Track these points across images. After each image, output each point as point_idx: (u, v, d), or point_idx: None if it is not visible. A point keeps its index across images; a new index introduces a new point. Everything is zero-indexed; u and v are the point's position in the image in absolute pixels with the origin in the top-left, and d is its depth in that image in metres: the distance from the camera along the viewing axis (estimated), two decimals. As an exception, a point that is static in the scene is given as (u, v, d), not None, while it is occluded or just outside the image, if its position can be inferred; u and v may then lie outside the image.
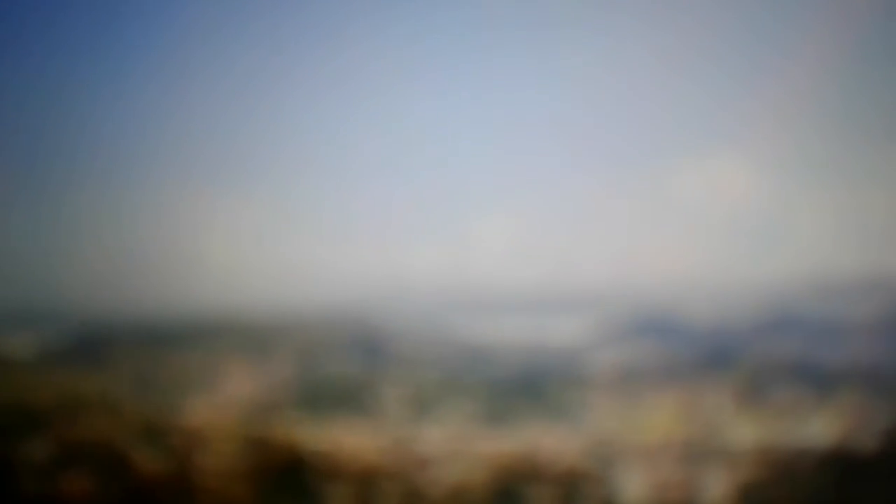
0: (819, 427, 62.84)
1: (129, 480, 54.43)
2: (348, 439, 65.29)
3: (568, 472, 58.76)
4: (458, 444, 64.61)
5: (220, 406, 73.56)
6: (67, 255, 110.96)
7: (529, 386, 74.54)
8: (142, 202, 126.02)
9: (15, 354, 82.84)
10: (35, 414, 59.93)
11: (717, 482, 57.18)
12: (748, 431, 64.06)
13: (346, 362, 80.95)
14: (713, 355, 75.05)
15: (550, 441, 65.01)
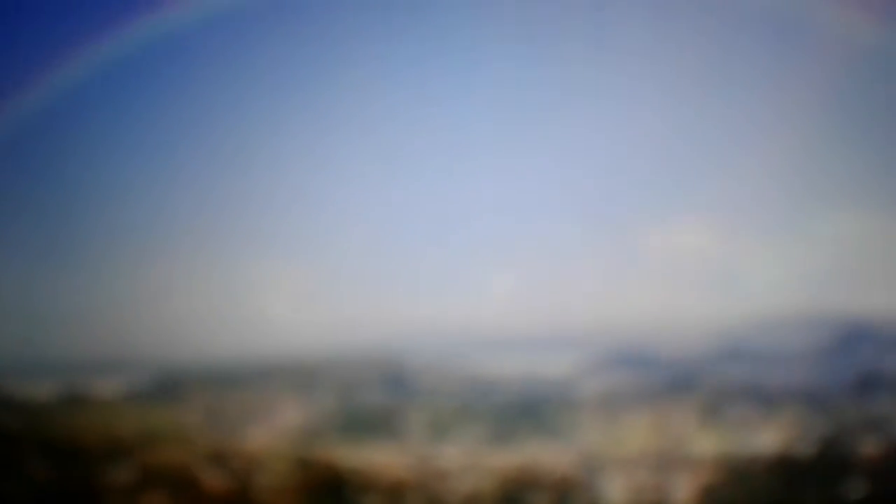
0: (767, 438, 63.43)
1: (199, 498, 54.75)
2: (380, 458, 65.69)
3: (561, 481, 59.01)
4: (470, 459, 65.01)
5: (274, 434, 74.18)
6: (150, 311, 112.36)
7: (528, 410, 75.13)
8: (211, 266, 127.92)
9: (105, 394, 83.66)
10: (121, 444, 60.42)
11: (684, 486, 57.78)
12: (708, 443, 64.66)
13: (376, 394, 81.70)
14: (678, 381, 75.78)
15: (546, 456, 65.43)
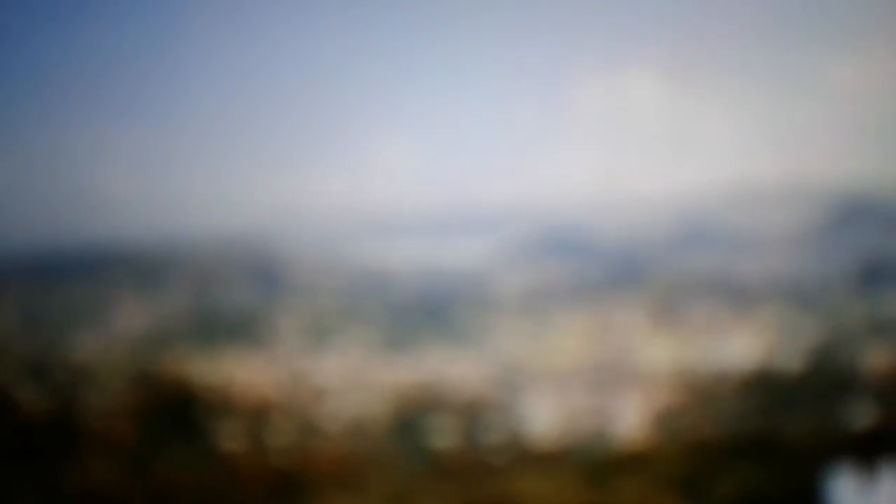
0: (739, 347, 59.63)
1: (11, 420, 51.21)
2: (241, 373, 62.41)
3: (473, 401, 55.99)
4: (356, 374, 61.77)
5: (109, 341, 69.68)
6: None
7: (431, 311, 70.92)
8: (32, 132, 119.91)
9: None
10: None
11: (632, 408, 54.57)
12: (663, 353, 60.95)
13: (239, 292, 76.81)
14: (624, 273, 71.52)
15: (454, 369, 62.20)
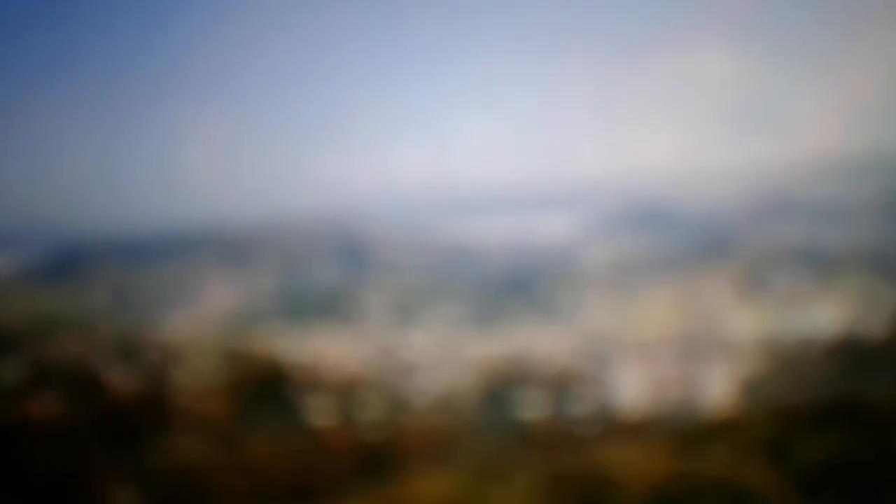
0: (824, 315, 60.24)
1: (101, 401, 53.09)
2: (330, 349, 63.64)
3: (561, 374, 56.90)
4: (444, 349, 62.76)
5: (198, 321, 71.63)
6: (44, 172, 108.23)
7: (519, 286, 71.84)
8: (119, 117, 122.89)
9: None
10: (8, 335, 58.62)
11: (719, 377, 55.10)
12: (749, 323, 61.53)
13: (327, 270, 78.47)
14: (709, 245, 72.06)
15: (542, 342, 62.92)
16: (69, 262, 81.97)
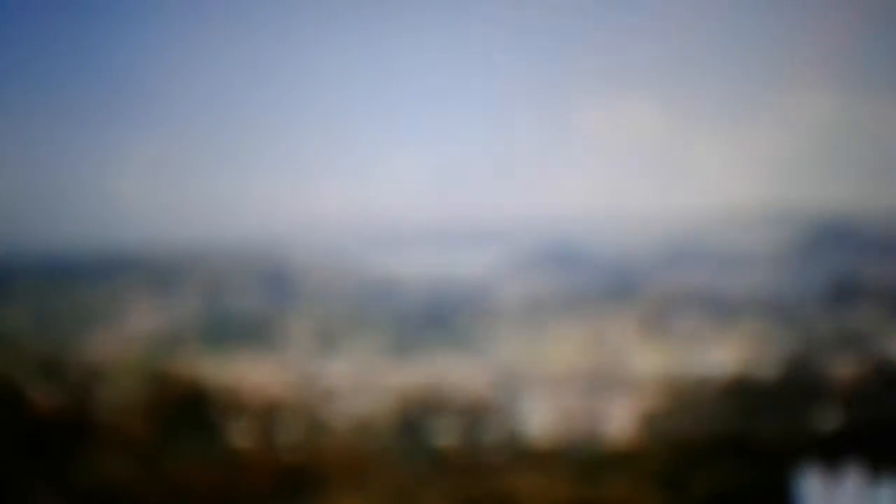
0: (721, 356, 62.72)
1: (25, 417, 53.13)
2: (252, 374, 64.03)
3: (473, 403, 58.26)
4: (363, 377, 63.69)
5: (122, 341, 72.01)
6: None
7: (436, 318, 73.53)
8: (50, 138, 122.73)
9: None
10: None
11: (621, 411, 56.81)
12: (651, 361, 63.64)
13: (251, 296, 79.57)
14: (617, 286, 74.49)
15: (457, 373, 64.18)
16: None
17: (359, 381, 61.26)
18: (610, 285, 74.43)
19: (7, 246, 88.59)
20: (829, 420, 47.65)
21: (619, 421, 55.38)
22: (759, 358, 59.75)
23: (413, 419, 56.58)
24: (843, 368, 55.08)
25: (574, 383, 59.63)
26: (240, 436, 53.76)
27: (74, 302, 78.44)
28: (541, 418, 56.10)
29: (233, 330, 72.73)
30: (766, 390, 54.13)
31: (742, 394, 53.87)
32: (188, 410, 55.03)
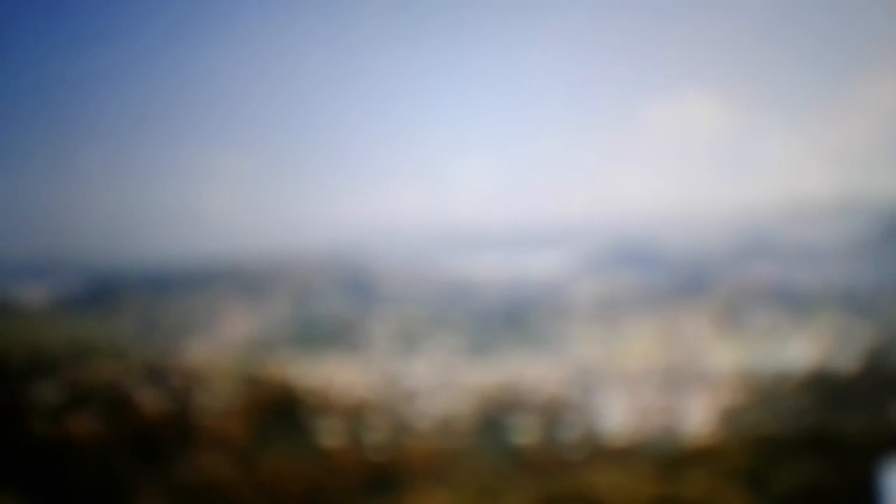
0: (798, 350, 58.48)
1: (132, 420, 51.77)
2: (339, 375, 62.35)
3: (551, 401, 55.46)
4: (443, 376, 61.42)
5: (218, 347, 70.10)
6: (77, 209, 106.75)
7: (512, 318, 70.33)
8: (146, 158, 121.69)
9: (29, 304, 79.23)
10: (47, 359, 57.49)
11: (699, 407, 53.60)
12: (728, 356, 59.84)
13: (335, 302, 76.83)
14: (690, 283, 70.41)
15: (533, 371, 61.53)
16: (101, 293, 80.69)
17: (439, 381, 58.33)
18: (682, 282, 70.21)
19: (112, 260, 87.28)
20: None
21: (698, 417, 51.93)
22: (837, 352, 55.07)
23: (492, 417, 54.10)
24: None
25: (650, 380, 55.82)
26: (328, 435, 52.14)
27: (174, 311, 76.45)
28: (618, 415, 52.65)
29: (319, 334, 70.05)
30: (847, 384, 50.22)
31: (822, 388, 50.04)
32: (280, 412, 54.17)
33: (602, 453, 49.94)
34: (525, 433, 52.84)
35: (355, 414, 54.76)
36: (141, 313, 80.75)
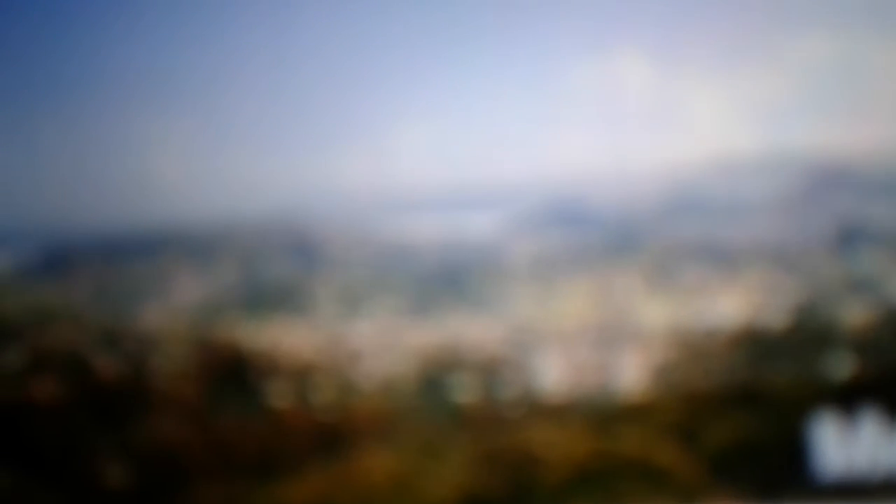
0: (728, 306, 56.92)
1: (90, 384, 50.22)
2: (286, 338, 60.61)
3: (489, 360, 53.79)
4: (386, 337, 59.65)
5: (170, 312, 68.14)
6: (33, 178, 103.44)
7: (451, 279, 68.28)
8: (95, 124, 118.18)
9: None
10: (8, 326, 55.64)
11: (632, 364, 52.26)
12: (659, 313, 58.16)
13: (281, 266, 74.72)
14: (622, 241, 68.47)
15: (472, 331, 59.80)
16: (57, 260, 77.85)
17: (382, 342, 56.63)
18: (614, 240, 68.17)
19: (63, 227, 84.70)
20: (841, 367, 42.28)
21: (631, 374, 50.40)
22: (766, 307, 53.61)
23: (434, 377, 52.63)
24: (853, 314, 49.24)
25: (585, 338, 54.04)
26: (277, 396, 50.66)
27: (127, 276, 73.88)
28: (554, 373, 51.04)
29: (266, 298, 67.84)
30: (776, 339, 48.77)
31: (752, 343, 48.58)
32: (231, 374, 52.67)
33: (539, 410, 48.79)
34: (465, 392, 51.48)
35: (303, 375, 53.47)
36: (95, 279, 78.30)
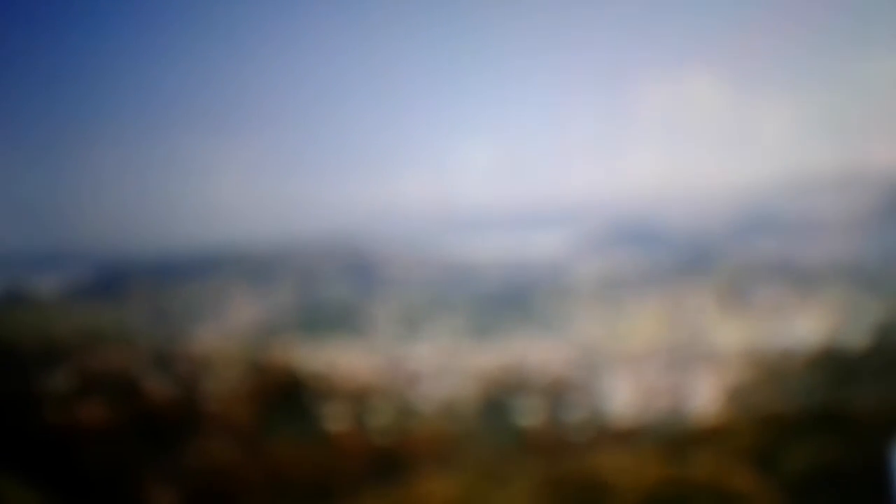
0: (805, 326, 56.15)
1: (141, 407, 50.42)
2: (343, 360, 60.67)
3: (554, 382, 53.50)
4: (447, 359, 59.56)
5: (224, 333, 68.46)
6: (88, 200, 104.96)
7: (514, 300, 68.25)
8: (153, 148, 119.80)
9: (40, 293, 77.73)
10: (58, 348, 56.18)
11: (704, 386, 51.47)
12: (733, 334, 57.61)
13: (338, 287, 74.85)
14: (693, 260, 68.11)
15: (536, 352, 59.56)
16: (111, 282, 79.07)
17: (442, 364, 56.42)
18: (686, 259, 67.78)
19: (121, 249, 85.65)
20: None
21: (704, 397, 49.86)
22: (845, 327, 52.69)
23: (496, 399, 52.37)
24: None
25: (655, 360, 53.75)
26: (333, 419, 50.61)
27: (181, 299, 74.57)
28: (623, 396, 50.64)
29: (323, 319, 68.13)
30: (857, 360, 48.07)
31: (831, 364, 47.91)
32: (286, 397, 52.84)
33: (607, 435, 48.14)
34: (529, 415, 51.15)
35: (360, 398, 53.37)
36: (149, 301, 79.16)
